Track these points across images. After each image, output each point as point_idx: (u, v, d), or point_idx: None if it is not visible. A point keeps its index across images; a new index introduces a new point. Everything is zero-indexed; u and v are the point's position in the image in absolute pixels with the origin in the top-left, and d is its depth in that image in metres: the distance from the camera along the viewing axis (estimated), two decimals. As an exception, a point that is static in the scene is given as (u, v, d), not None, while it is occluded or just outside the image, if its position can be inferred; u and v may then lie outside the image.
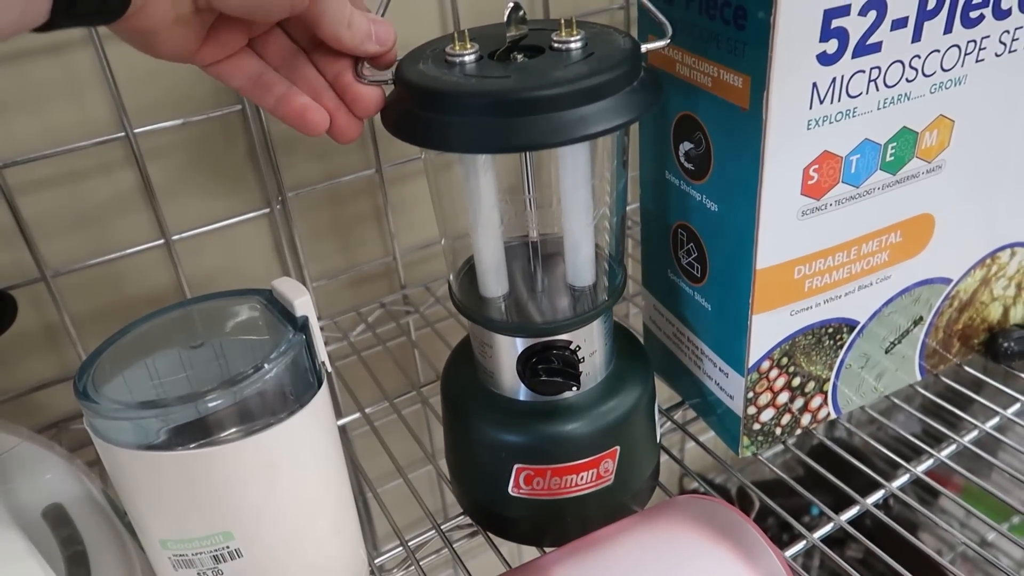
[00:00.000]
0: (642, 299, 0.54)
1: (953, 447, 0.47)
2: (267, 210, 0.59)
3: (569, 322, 0.41)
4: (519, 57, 0.37)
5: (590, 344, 0.42)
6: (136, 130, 0.51)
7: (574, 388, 0.41)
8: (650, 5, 0.38)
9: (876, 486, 0.45)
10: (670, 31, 0.37)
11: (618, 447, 0.42)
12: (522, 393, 0.43)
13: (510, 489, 0.42)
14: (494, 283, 0.42)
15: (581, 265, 0.42)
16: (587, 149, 0.38)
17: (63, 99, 0.50)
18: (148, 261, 0.57)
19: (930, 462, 0.46)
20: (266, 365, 0.33)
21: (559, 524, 0.43)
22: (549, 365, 0.41)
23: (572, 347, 0.41)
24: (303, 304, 0.35)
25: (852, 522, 0.44)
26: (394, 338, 0.66)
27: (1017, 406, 0.49)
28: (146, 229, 0.56)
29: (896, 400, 0.51)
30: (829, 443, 0.49)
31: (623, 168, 0.42)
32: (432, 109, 0.34)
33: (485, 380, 0.44)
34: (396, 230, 0.65)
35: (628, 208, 0.75)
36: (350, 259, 0.66)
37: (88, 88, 0.50)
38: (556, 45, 0.36)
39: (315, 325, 0.35)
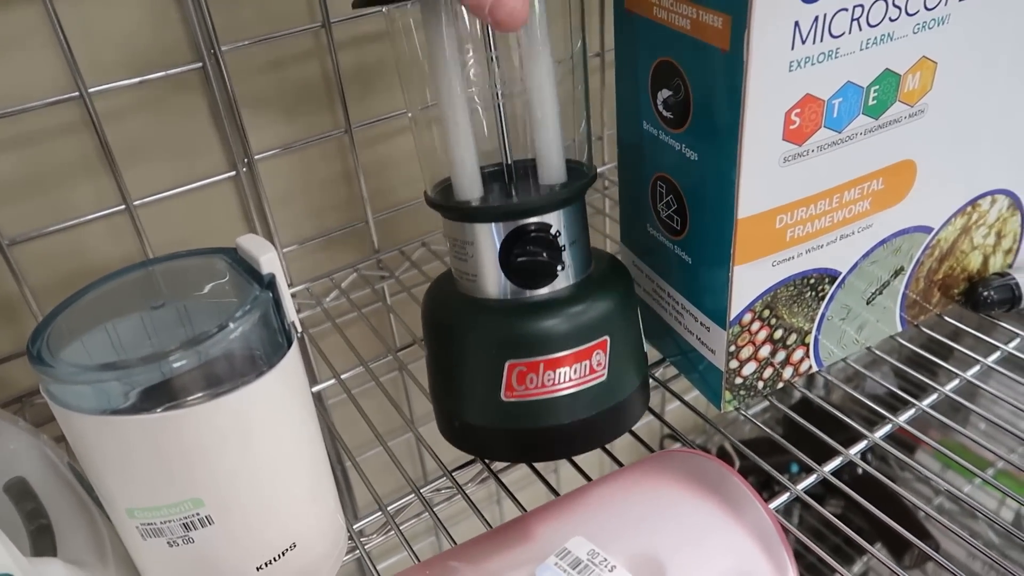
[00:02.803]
0: (622, 256, 0.53)
1: (934, 396, 0.47)
2: (233, 173, 0.57)
3: (546, 202, 0.40)
4: None
5: (570, 232, 0.41)
6: (91, 89, 0.49)
7: (560, 269, 0.41)
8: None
9: (858, 438, 0.45)
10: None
11: (608, 337, 0.41)
12: (507, 291, 0.42)
13: (503, 394, 0.41)
14: (469, 184, 0.42)
15: (550, 143, 0.41)
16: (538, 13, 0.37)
17: (11, 57, 0.47)
18: (110, 228, 0.55)
19: (912, 411, 0.46)
20: (231, 324, 0.32)
21: (554, 432, 0.42)
22: (532, 248, 0.40)
23: (552, 232, 0.40)
24: (269, 261, 0.33)
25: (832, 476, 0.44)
26: (369, 304, 0.64)
27: (997, 354, 0.49)
28: (107, 194, 0.54)
29: (878, 352, 0.51)
30: (812, 396, 0.49)
31: (580, 31, 0.41)
32: None
33: (468, 288, 0.43)
34: (368, 194, 0.63)
35: (606, 168, 0.74)
36: (322, 224, 0.64)
37: (38, 46, 0.48)
38: None
39: (283, 283, 0.34)
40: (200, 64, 0.53)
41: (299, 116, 0.59)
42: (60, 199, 0.52)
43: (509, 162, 0.43)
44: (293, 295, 0.63)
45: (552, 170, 0.42)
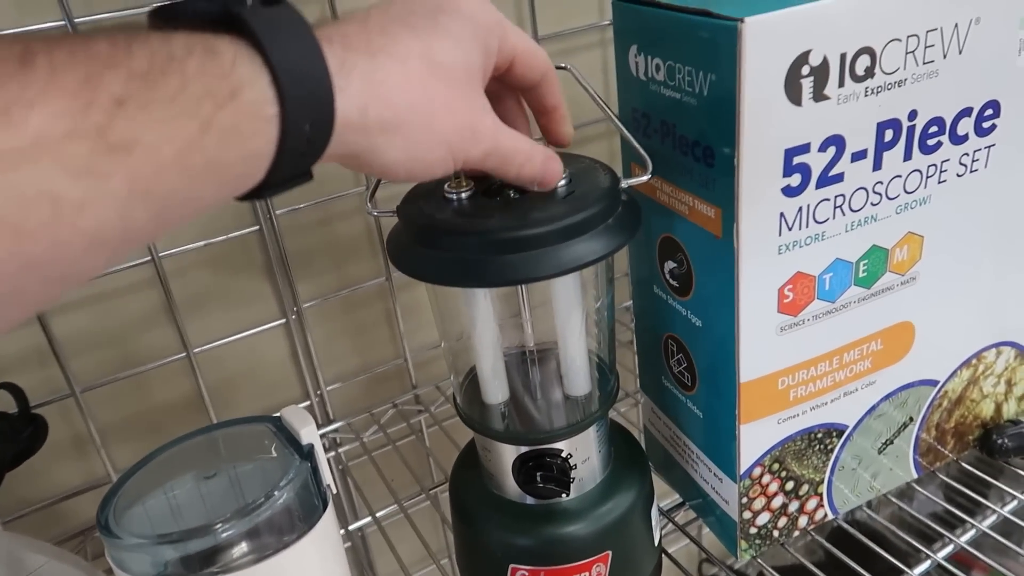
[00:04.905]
0: (642, 402, 0.56)
1: (972, 533, 0.48)
2: (283, 320, 0.63)
3: (563, 431, 0.43)
4: (511, 193, 0.40)
5: (583, 451, 0.44)
6: (161, 253, 0.55)
7: (563, 496, 0.43)
8: (633, 140, 0.41)
9: (897, 572, 0.46)
10: (651, 168, 0.40)
11: (610, 552, 0.44)
12: (520, 495, 0.44)
13: None
14: (494, 391, 0.45)
15: (575, 376, 0.44)
16: (574, 275, 0.40)
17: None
18: (171, 372, 0.60)
19: (951, 547, 0.47)
20: (276, 492, 0.36)
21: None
22: (543, 472, 0.43)
23: (564, 455, 0.43)
24: (309, 433, 0.37)
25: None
26: (405, 437, 0.68)
27: (1015, 503, 0.50)
28: (170, 342, 0.59)
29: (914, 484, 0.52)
30: (848, 527, 0.50)
31: (609, 285, 0.44)
32: (429, 245, 0.37)
33: (487, 481, 0.46)
34: (406, 332, 0.68)
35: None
36: (364, 361, 0.69)
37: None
38: None
39: (320, 451, 0.38)
40: (258, 227, 0.59)
41: (344, 265, 0.64)
42: (128, 348, 0.58)
43: (536, 394, 0.46)
44: (335, 430, 0.67)
45: (575, 385, 0.44)
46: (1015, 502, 0.50)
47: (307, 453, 0.37)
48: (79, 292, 0.55)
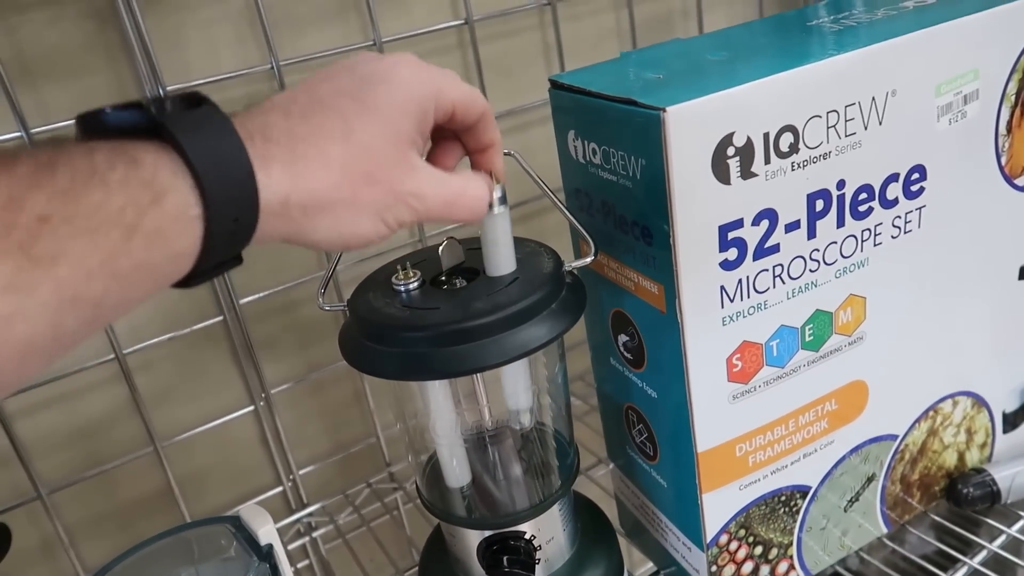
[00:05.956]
0: (612, 473, 0.56)
1: (964, 570, 0.48)
2: (252, 407, 0.63)
3: (526, 512, 0.43)
4: (457, 282, 0.41)
5: (548, 530, 0.44)
6: (126, 351, 0.55)
7: (536, 565, 0.43)
8: (576, 222, 0.43)
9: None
10: (595, 249, 0.42)
11: None
12: None
13: None
14: (455, 475, 0.45)
15: (534, 455, 0.44)
16: (523, 359, 0.41)
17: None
18: (140, 467, 0.60)
19: None
20: (233, 597, 0.35)
21: None
22: (508, 556, 0.43)
23: (528, 537, 0.43)
24: (267, 533, 0.37)
25: None
26: (380, 516, 0.68)
27: (983, 554, 0.50)
28: (137, 436, 0.59)
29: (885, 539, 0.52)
30: (843, 572, 0.50)
31: (561, 361, 0.45)
32: (377, 340, 0.38)
33: (454, 565, 0.46)
34: (376, 409, 0.68)
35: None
36: (336, 442, 0.69)
37: (80, 316, 0.55)
38: None
39: (280, 550, 0.38)
40: (221, 317, 0.59)
41: (310, 348, 0.65)
42: (94, 445, 0.58)
43: (497, 474, 0.46)
44: (310, 514, 0.66)
45: (534, 465, 0.45)
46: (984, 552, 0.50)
47: (266, 553, 0.37)
48: (43, 392, 0.55)
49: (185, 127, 0.26)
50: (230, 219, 0.27)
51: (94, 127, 0.27)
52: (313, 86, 0.32)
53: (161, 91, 0.53)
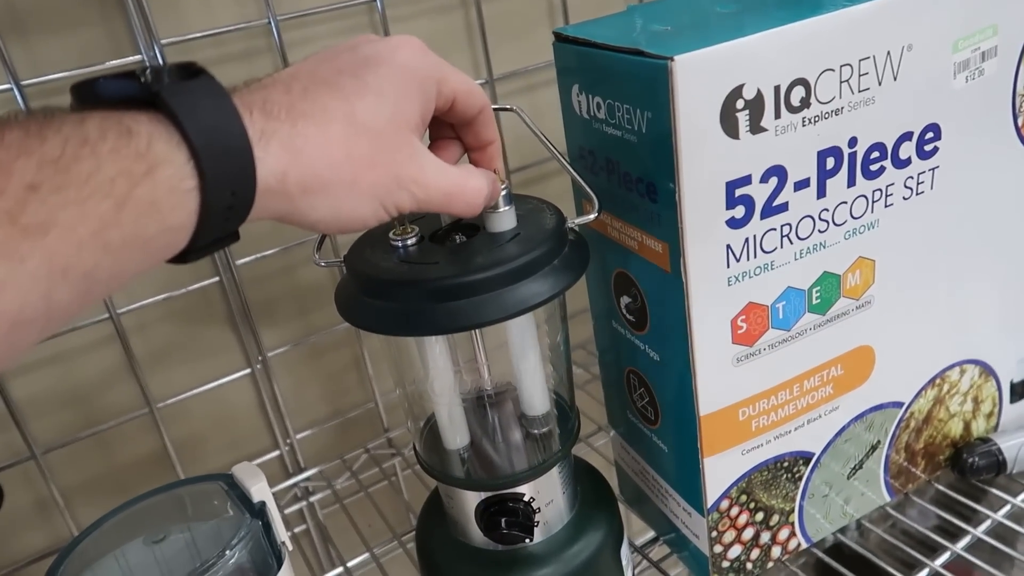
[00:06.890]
0: (612, 439, 0.55)
1: (967, 539, 0.48)
2: (249, 370, 0.62)
3: (525, 474, 0.43)
4: (457, 238, 0.40)
5: (547, 493, 0.43)
6: (120, 310, 0.55)
7: (527, 540, 0.43)
8: (580, 179, 0.42)
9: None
10: (598, 206, 0.41)
11: None
12: (484, 542, 0.44)
13: None
14: (453, 436, 0.44)
15: (534, 417, 0.44)
16: (526, 316, 0.40)
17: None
18: (136, 429, 0.59)
19: (947, 555, 0.47)
20: (227, 553, 0.35)
21: None
22: (507, 518, 0.42)
23: (526, 499, 0.43)
24: (260, 490, 0.37)
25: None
26: (379, 482, 0.67)
27: (987, 523, 0.49)
28: (133, 398, 0.58)
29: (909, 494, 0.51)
30: (845, 540, 0.50)
31: (563, 323, 0.44)
32: (374, 295, 0.37)
33: (452, 528, 0.45)
34: (375, 375, 0.67)
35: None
36: (334, 407, 0.68)
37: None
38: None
39: (273, 508, 0.37)
40: (217, 278, 0.58)
41: (308, 312, 0.64)
42: (90, 406, 0.57)
43: (496, 437, 0.45)
44: (307, 478, 0.66)
45: (535, 424, 0.44)
46: (989, 522, 0.49)
47: (258, 511, 0.37)
48: (37, 353, 0.54)
49: (181, 98, 0.25)
50: (227, 193, 0.26)
51: (88, 97, 0.26)
52: (315, 65, 0.31)
53: (156, 46, 0.51)
